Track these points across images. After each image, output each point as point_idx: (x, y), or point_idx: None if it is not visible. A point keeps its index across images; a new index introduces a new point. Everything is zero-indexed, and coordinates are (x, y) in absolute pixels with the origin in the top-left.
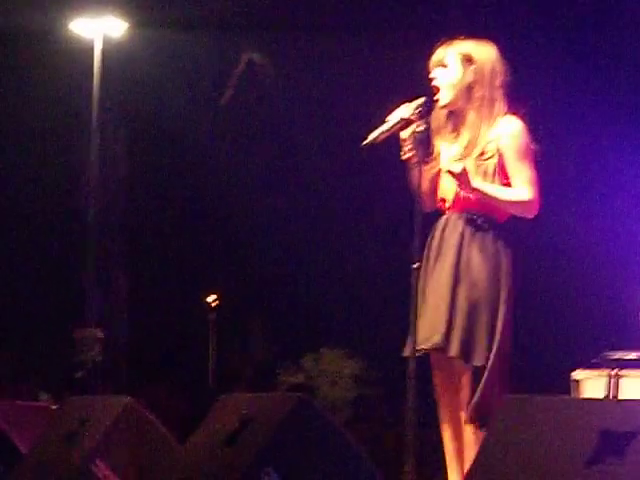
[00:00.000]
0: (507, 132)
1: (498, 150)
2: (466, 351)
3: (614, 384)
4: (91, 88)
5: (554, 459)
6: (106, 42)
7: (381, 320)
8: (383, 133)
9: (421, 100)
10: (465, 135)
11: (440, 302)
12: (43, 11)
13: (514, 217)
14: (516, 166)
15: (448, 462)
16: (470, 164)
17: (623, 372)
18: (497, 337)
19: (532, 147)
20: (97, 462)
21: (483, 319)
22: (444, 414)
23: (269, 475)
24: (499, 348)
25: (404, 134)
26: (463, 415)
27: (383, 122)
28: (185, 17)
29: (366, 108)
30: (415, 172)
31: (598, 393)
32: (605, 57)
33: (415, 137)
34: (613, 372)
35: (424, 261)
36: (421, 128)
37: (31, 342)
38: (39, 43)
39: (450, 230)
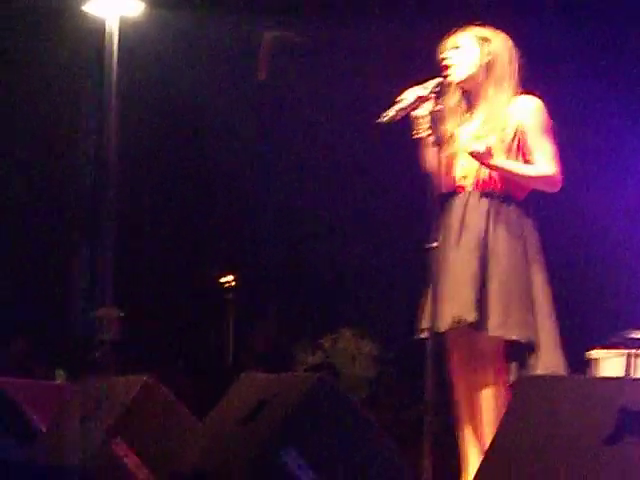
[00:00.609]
0: (528, 108)
1: (520, 126)
2: (504, 326)
3: (633, 363)
4: (106, 69)
5: (572, 438)
6: (122, 23)
7: (399, 300)
8: (401, 111)
9: (439, 79)
10: (484, 110)
11: (469, 280)
12: None
13: (534, 194)
14: (538, 141)
15: (466, 443)
16: (493, 140)
17: None
18: (540, 310)
19: (552, 123)
20: (116, 441)
21: (516, 294)
22: (461, 394)
23: (289, 454)
24: (552, 321)
25: (418, 112)
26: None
27: (397, 102)
28: None
29: (379, 89)
30: (429, 152)
31: (615, 372)
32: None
33: (433, 116)
34: (632, 351)
35: (442, 240)
36: (439, 107)
37: (47, 321)
38: (52, 23)
39: (472, 208)
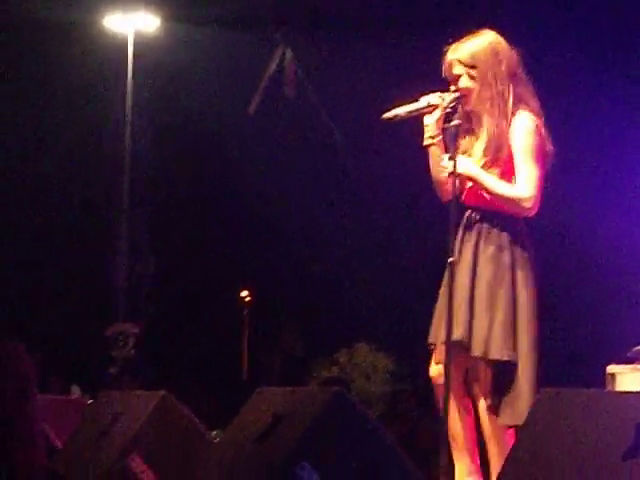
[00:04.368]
0: (517, 130)
1: (511, 148)
2: (485, 346)
3: None
4: (123, 81)
5: (590, 452)
6: (138, 37)
7: (415, 315)
8: (406, 113)
9: (457, 94)
10: (484, 137)
11: (461, 300)
12: (77, 6)
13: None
14: (521, 164)
15: (457, 452)
16: (478, 150)
17: None
18: (521, 332)
19: (542, 146)
20: (133, 456)
21: (500, 315)
22: (458, 405)
23: (305, 469)
24: (530, 342)
25: (427, 120)
26: (481, 407)
27: (413, 101)
28: (216, 13)
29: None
30: (435, 162)
31: (634, 387)
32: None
33: (450, 131)
34: None
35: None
36: (455, 122)
37: (64, 337)
38: (73, 37)
39: (469, 227)
